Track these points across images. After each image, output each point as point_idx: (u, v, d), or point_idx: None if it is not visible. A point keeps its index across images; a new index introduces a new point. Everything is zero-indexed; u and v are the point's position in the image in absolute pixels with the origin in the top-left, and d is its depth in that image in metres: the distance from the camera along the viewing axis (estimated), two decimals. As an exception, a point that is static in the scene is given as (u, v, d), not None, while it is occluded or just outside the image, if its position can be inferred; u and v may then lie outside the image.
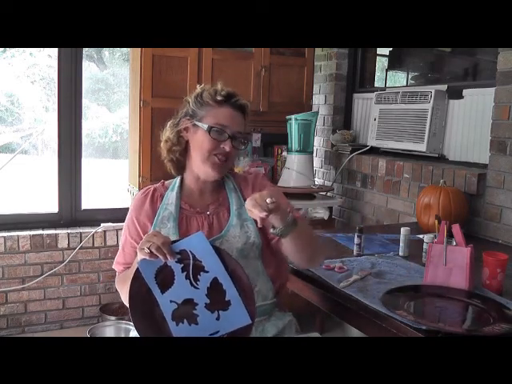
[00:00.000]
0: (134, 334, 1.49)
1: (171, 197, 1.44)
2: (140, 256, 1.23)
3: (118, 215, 3.10)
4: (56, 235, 2.91)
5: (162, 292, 1.24)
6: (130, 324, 2.78)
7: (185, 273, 1.23)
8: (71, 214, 3.05)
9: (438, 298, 1.41)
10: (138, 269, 1.24)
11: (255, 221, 1.26)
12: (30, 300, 2.89)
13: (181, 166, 1.47)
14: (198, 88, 1.45)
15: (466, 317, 1.36)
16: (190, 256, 1.23)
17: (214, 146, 1.38)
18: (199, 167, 1.42)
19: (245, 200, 1.41)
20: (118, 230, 3.04)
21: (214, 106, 1.40)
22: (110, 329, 2.80)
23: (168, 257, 1.20)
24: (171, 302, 1.23)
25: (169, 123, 1.47)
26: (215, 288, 1.22)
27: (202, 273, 1.23)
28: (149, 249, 1.19)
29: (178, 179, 1.48)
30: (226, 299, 1.22)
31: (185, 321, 1.23)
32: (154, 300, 1.25)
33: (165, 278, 1.24)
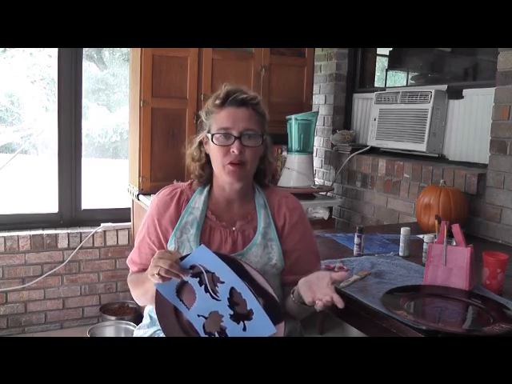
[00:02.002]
0: (137, 334, 1.49)
1: (198, 201, 1.38)
2: (153, 281, 1.19)
3: (118, 215, 3.11)
4: (56, 235, 2.91)
5: (188, 308, 1.21)
6: (130, 324, 2.78)
7: (203, 286, 1.19)
8: (71, 214, 3.05)
9: (438, 297, 1.41)
10: (157, 291, 1.21)
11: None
12: (30, 300, 2.89)
13: (205, 180, 1.40)
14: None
15: (466, 317, 1.36)
16: (202, 269, 1.17)
17: (224, 153, 1.30)
18: (220, 178, 1.36)
19: (273, 219, 1.39)
20: (118, 230, 3.05)
21: (217, 111, 1.34)
22: (109, 329, 2.80)
23: (180, 275, 1.16)
24: (199, 316, 1.21)
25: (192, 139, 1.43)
26: (235, 298, 1.17)
27: (219, 284, 1.17)
28: (158, 274, 1.15)
29: (207, 185, 1.42)
30: (248, 308, 1.16)
31: (215, 334, 1.20)
32: (184, 317, 1.23)
33: (187, 294, 1.21)
